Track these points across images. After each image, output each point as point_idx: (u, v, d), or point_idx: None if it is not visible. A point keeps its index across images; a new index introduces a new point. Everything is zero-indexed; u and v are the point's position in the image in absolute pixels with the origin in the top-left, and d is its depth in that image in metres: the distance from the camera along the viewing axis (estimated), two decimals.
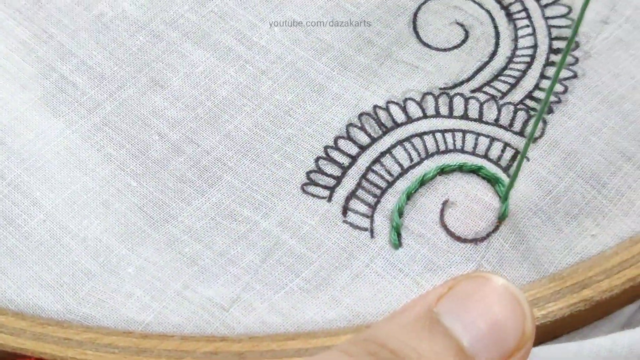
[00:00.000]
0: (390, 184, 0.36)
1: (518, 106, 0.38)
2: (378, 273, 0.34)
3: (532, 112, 0.37)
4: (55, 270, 0.34)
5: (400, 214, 0.35)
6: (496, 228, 0.35)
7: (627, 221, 0.35)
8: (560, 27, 0.40)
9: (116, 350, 0.32)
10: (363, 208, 0.35)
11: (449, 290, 0.29)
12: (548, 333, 0.33)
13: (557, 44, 0.39)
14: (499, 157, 0.36)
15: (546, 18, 0.40)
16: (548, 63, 0.39)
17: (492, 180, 0.36)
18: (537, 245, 0.34)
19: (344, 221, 0.35)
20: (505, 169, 0.36)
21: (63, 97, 0.38)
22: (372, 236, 0.35)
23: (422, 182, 0.36)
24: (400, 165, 0.36)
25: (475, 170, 0.36)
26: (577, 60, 0.39)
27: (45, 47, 0.39)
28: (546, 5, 0.40)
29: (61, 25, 0.40)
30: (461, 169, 0.36)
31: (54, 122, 0.37)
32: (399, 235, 0.35)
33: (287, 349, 0.32)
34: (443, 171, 0.36)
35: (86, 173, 0.36)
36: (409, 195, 0.36)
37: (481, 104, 0.38)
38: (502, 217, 0.35)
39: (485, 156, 0.36)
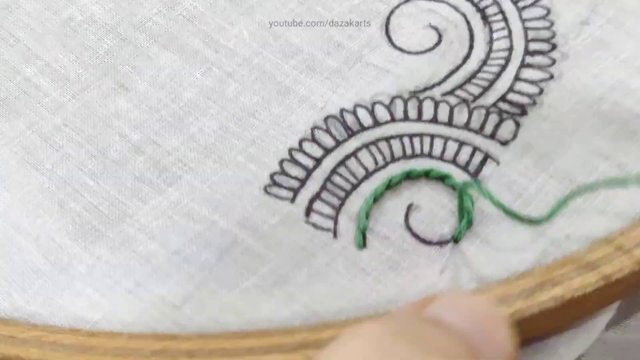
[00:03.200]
0: (354, 187, 0.35)
1: (490, 109, 0.36)
2: (339, 272, 0.33)
3: (504, 115, 0.36)
4: (5, 268, 0.33)
5: (367, 216, 0.34)
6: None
7: (603, 219, 0.33)
8: (537, 29, 0.39)
9: (61, 348, 0.31)
10: (327, 210, 0.34)
11: (432, 300, 0.27)
12: (518, 333, 0.31)
13: (533, 46, 0.38)
14: (467, 162, 0.35)
15: (523, 20, 0.39)
16: (524, 65, 0.38)
17: (457, 189, 0.34)
18: (506, 246, 0.33)
19: (307, 222, 0.34)
20: (474, 174, 0.35)
21: (25, 99, 0.37)
22: (335, 236, 0.34)
23: (389, 185, 0.35)
24: (365, 168, 0.35)
25: (442, 178, 0.35)
26: (554, 61, 0.37)
27: (11, 50, 0.39)
28: (524, 8, 0.39)
29: (29, 29, 0.39)
30: (427, 175, 0.35)
31: (15, 122, 0.37)
32: (364, 236, 0.33)
33: (239, 347, 0.31)
34: (409, 176, 0.35)
35: (43, 173, 0.35)
36: (376, 198, 0.34)
37: (451, 108, 0.36)
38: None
39: (454, 161, 0.35)
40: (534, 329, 0.32)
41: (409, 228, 0.34)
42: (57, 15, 0.40)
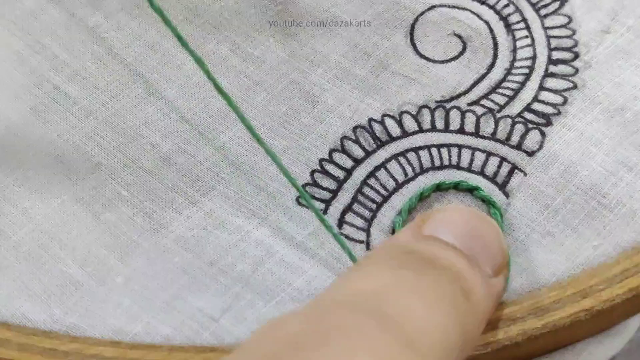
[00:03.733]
0: (385, 199, 0.35)
1: (516, 119, 0.37)
2: None
3: (530, 125, 0.37)
4: (43, 280, 0.33)
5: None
6: None
7: (629, 230, 0.34)
8: (560, 37, 0.39)
9: None
10: (359, 221, 0.35)
11: (425, 220, 0.31)
12: (548, 343, 0.32)
13: (556, 55, 0.39)
14: (495, 173, 0.36)
15: (545, 28, 0.39)
16: (547, 74, 0.38)
17: (486, 202, 0.35)
18: (536, 258, 0.34)
19: (340, 233, 0.34)
20: (502, 186, 0.35)
21: (55, 107, 0.37)
22: (367, 248, 0.34)
23: (421, 197, 0.35)
24: (395, 179, 0.36)
25: (471, 190, 0.35)
26: (577, 70, 0.38)
27: (38, 57, 0.39)
28: (546, 16, 0.40)
29: (56, 36, 0.39)
30: (456, 187, 0.35)
31: (45, 131, 0.37)
32: None
33: None
34: (439, 188, 0.35)
35: (76, 183, 0.36)
36: (410, 211, 0.35)
37: (478, 118, 0.37)
38: None
39: (482, 172, 0.36)
40: (562, 340, 0.33)
41: None
42: (83, 22, 0.40)
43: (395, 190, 0.35)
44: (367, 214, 0.35)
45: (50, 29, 0.40)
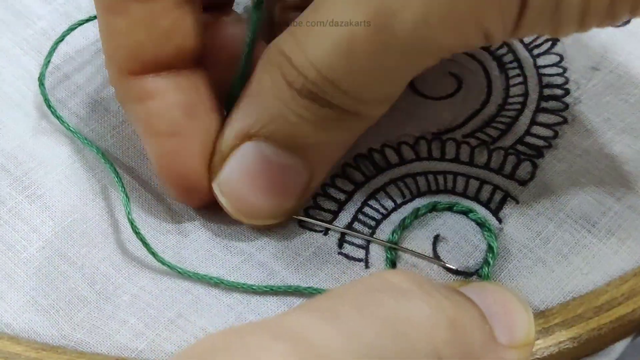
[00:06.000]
0: (384, 216, 0.37)
1: (509, 151, 0.39)
2: None
3: (522, 157, 0.38)
4: (52, 296, 0.34)
5: (395, 243, 0.36)
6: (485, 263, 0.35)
7: (617, 259, 0.35)
8: (551, 75, 0.41)
9: None
10: (358, 240, 0.36)
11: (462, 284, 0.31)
12: None
13: (547, 91, 0.40)
14: (489, 199, 0.37)
15: (537, 67, 0.41)
16: (539, 109, 0.40)
17: (480, 224, 0.36)
18: (527, 284, 0.35)
19: (339, 253, 0.36)
20: (495, 212, 0.37)
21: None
22: (366, 267, 0.36)
23: (416, 215, 0.36)
24: (394, 201, 0.37)
25: (465, 212, 0.37)
26: (567, 106, 0.40)
27: (50, 77, 0.40)
28: (538, 55, 0.42)
29: (68, 57, 0.41)
30: (451, 209, 0.37)
31: (57, 151, 0.38)
32: (394, 266, 0.35)
33: None
34: (435, 208, 0.37)
35: (86, 203, 0.37)
36: (405, 227, 0.36)
37: (472, 149, 0.39)
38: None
39: (476, 198, 0.37)
40: None
41: (436, 257, 0.36)
42: (95, 45, 0.41)
43: (394, 209, 0.37)
44: (366, 231, 0.36)
45: (62, 49, 0.41)
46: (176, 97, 0.34)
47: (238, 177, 0.34)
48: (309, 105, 0.32)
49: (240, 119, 0.34)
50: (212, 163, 0.35)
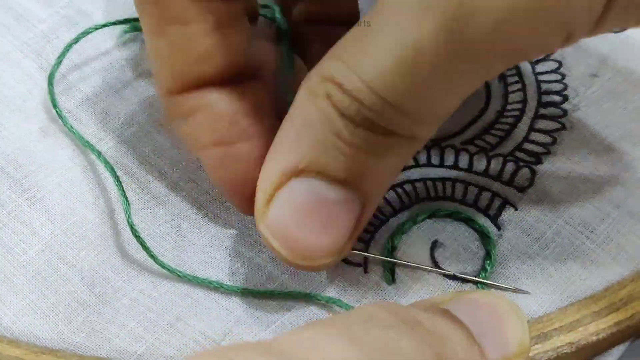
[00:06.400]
0: (383, 222, 0.37)
1: (507, 157, 0.39)
2: None
3: (521, 163, 0.38)
4: (52, 299, 0.34)
5: (393, 250, 0.36)
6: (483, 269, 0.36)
7: (615, 265, 0.36)
8: (550, 81, 0.41)
9: None
10: (357, 245, 0.36)
11: (452, 297, 0.31)
12: None
13: (546, 98, 0.41)
14: (488, 206, 0.37)
15: (536, 74, 0.41)
16: (537, 116, 0.40)
17: (479, 232, 0.36)
18: (526, 290, 0.35)
19: None
20: (494, 218, 0.37)
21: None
22: (365, 272, 0.36)
23: (415, 222, 0.37)
24: (393, 207, 0.37)
25: (465, 220, 0.37)
26: (566, 112, 0.40)
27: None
28: (537, 62, 0.42)
29: (68, 60, 0.41)
30: (451, 216, 0.37)
31: (57, 154, 0.38)
32: (392, 272, 0.35)
33: None
34: (434, 215, 0.37)
35: (86, 206, 0.37)
36: (404, 232, 0.36)
37: (471, 155, 0.39)
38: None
39: (474, 205, 0.37)
40: None
41: (435, 263, 0.36)
42: (96, 49, 0.41)
43: (392, 215, 0.37)
44: (365, 236, 0.36)
45: (67, 57, 0.41)
46: (219, 110, 0.33)
47: (289, 218, 0.31)
48: (363, 133, 0.30)
49: (285, 154, 0.31)
50: (257, 204, 0.32)
